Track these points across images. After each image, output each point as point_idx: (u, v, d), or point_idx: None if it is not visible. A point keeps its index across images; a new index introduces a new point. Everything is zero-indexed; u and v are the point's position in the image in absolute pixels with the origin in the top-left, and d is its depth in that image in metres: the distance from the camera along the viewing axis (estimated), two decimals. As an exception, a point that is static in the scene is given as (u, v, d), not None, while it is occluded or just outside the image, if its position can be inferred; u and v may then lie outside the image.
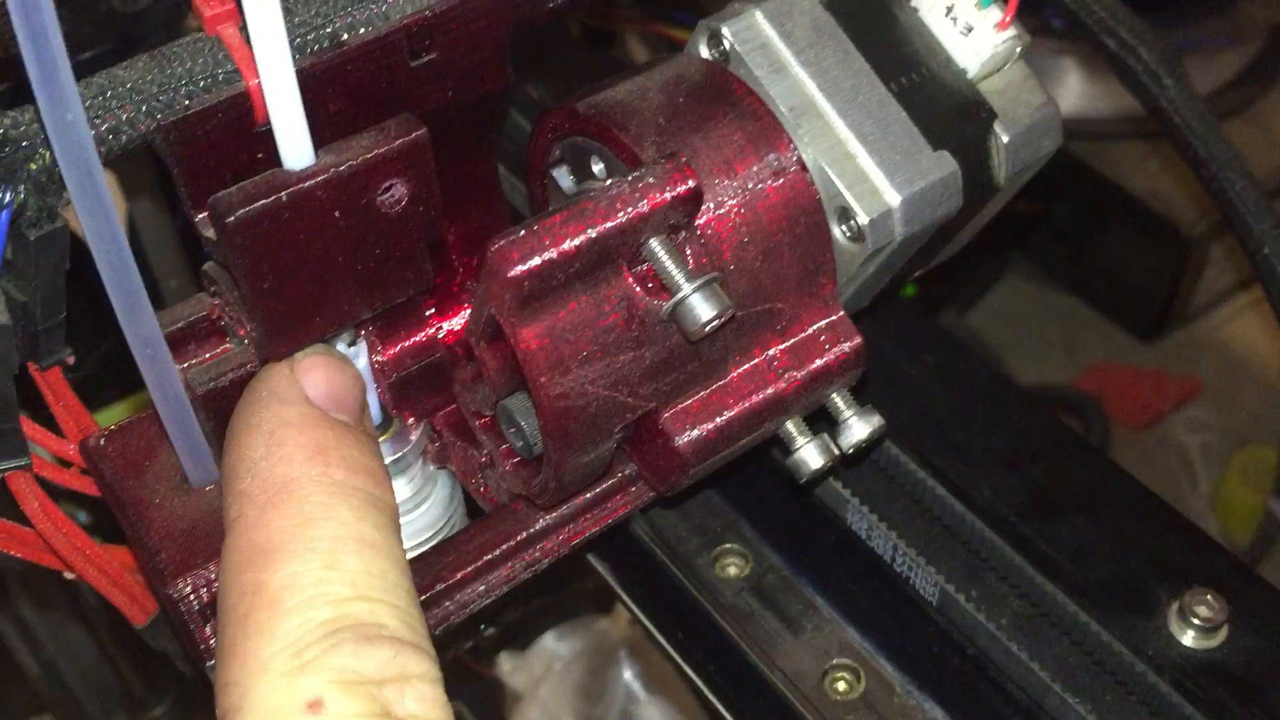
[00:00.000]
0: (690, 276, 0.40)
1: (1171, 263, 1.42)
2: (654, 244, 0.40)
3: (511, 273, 0.38)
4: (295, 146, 0.40)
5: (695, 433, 0.43)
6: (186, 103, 0.41)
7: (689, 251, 0.42)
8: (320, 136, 0.42)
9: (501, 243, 0.38)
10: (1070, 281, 1.55)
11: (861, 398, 0.47)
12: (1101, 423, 1.26)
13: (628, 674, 0.88)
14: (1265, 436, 1.34)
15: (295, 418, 0.40)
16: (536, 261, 0.38)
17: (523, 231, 0.38)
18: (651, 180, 0.40)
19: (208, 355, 0.46)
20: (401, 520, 0.50)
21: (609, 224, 0.39)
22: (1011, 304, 1.56)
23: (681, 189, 0.40)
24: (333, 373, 0.42)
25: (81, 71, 0.39)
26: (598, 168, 0.45)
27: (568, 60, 0.74)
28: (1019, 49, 0.46)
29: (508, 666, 0.91)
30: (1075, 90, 1.32)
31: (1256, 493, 1.33)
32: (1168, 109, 0.68)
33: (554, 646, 0.92)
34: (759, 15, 0.45)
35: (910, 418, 0.57)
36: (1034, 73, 0.47)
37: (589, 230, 0.39)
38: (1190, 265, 1.41)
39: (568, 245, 0.39)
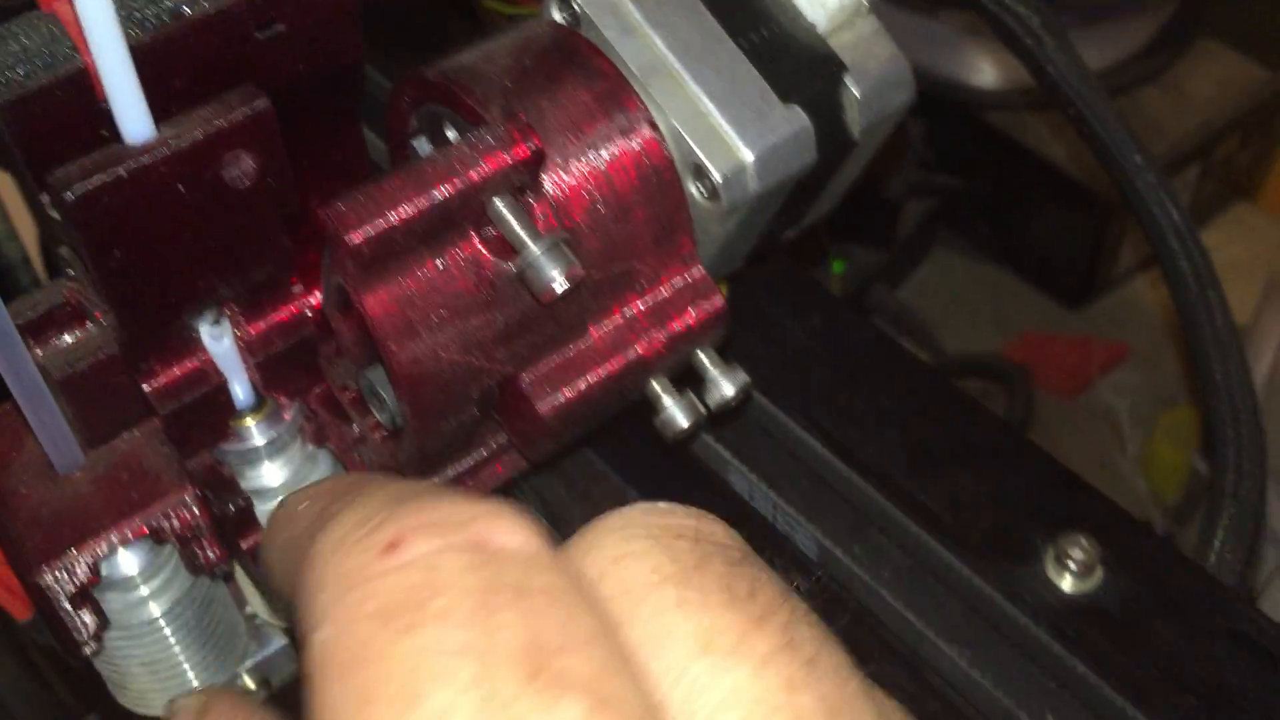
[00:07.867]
0: (536, 237, 0.40)
1: (1093, 230, 1.43)
2: (499, 205, 0.40)
3: (350, 238, 0.38)
4: (133, 121, 0.40)
5: (556, 396, 0.43)
6: (23, 82, 0.40)
7: (539, 213, 0.42)
8: (167, 113, 0.42)
9: (339, 207, 0.38)
10: (997, 253, 1.56)
11: (746, 359, 0.47)
12: (1025, 390, 1.27)
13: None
14: (1191, 397, 1.35)
15: None
16: (375, 226, 0.38)
17: (360, 196, 0.38)
18: (491, 141, 0.40)
19: (69, 340, 0.45)
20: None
21: (448, 186, 0.39)
22: (940, 277, 1.57)
23: (522, 148, 0.40)
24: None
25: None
26: (451, 134, 0.45)
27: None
28: (865, 2, 0.47)
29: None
30: (994, 62, 1.33)
31: (1182, 452, 1.34)
32: (1048, 69, 0.68)
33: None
34: (608, -23, 0.45)
35: (795, 378, 0.57)
36: (886, 27, 0.48)
37: (428, 192, 0.39)
38: (1111, 232, 1.42)
39: (406, 209, 0.38)
